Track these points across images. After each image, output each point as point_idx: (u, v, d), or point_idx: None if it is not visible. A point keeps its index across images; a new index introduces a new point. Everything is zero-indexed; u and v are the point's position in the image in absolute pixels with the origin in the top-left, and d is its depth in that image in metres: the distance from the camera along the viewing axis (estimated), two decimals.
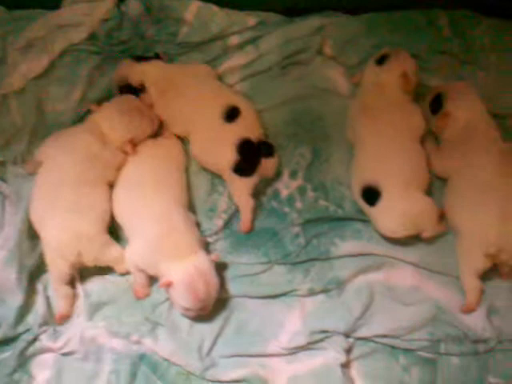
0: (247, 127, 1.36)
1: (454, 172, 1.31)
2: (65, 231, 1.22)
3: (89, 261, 1.24)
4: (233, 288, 1.29)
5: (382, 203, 1.27)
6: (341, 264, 1.33)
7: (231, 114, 1.36)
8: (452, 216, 1.29)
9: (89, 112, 1.43)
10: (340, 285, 1.30)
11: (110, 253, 1.26)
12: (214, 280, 1.20)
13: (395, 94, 1.36)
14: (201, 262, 1.20)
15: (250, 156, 1.33)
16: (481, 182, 1.26)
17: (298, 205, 1.39)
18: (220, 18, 1.57)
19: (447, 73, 1.50)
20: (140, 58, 1.48)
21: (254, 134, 1.35)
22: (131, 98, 1.42)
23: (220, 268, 1.27)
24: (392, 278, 1.32)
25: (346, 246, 1.34)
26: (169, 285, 1.18)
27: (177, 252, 1.20)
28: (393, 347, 1.26)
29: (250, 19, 1.58)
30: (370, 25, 1.55)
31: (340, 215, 1.37)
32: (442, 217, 1.31)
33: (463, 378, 1.23)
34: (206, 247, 1.31)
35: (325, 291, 1.30)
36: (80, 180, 1.28)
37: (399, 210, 1.26)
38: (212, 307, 1.23)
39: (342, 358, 1.20)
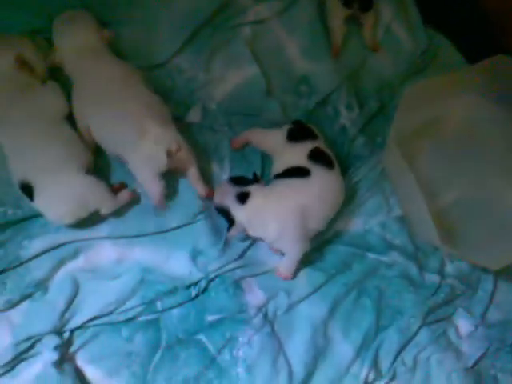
0: None
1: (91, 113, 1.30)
2: None
3: None
4: None
5: (41, 196, 1.21)
6: (36, 265, 1.28)
7: None
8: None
9: None
10: (40, 286, 1.26)
11: None
12: None
13: (20, 81, 1.27)
14: None
15: None
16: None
17: None
18: None
19: None
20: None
21: None
22: None
23: None
24: (92, 260, 1.32)
25: (36, 245, 1.28)
26: None
27: None
28: (113, 324, 1.28)
29: None
30: None
31: (20, 216, 1.29)
32: (119, 189, 1.33)
33: (184, 325, 1.31)
34: None
35: (26, 297, 1.25)
36: None
37: (58, 197, 1.22)
38: None
39: (54, 357, 1.19)
